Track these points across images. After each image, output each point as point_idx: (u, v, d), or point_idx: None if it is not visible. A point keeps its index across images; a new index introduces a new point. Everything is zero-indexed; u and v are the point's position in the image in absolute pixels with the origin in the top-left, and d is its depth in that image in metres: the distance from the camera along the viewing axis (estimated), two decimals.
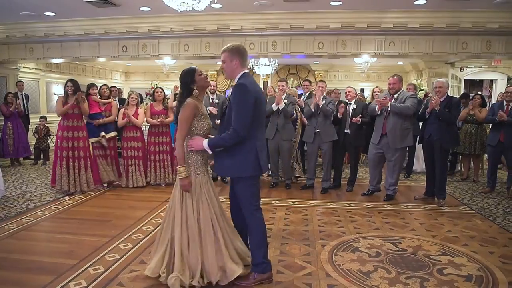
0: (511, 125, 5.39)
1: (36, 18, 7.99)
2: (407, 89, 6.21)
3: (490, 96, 12.24)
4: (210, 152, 2.82)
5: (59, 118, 5.54)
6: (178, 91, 6.06)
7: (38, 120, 8.55)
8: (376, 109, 5.17)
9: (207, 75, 3.04)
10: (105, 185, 6.00)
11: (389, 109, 5.03)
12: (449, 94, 5.16)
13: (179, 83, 2.95)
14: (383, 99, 5.05)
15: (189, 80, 2.86)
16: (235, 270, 2.77)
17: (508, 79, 11.60)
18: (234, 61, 2.76)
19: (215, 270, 2.74)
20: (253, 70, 12.22)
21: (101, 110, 6.05)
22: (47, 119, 8.69)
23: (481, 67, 11.37)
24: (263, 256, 2.85)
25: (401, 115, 5.01)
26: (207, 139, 2.77)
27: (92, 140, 5.84)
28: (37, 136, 8.22)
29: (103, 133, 5.92)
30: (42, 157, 8.21)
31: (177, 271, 2.72)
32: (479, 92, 8.03)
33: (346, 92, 5.98)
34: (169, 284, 2.69)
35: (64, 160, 5.41)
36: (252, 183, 2.83)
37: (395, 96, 5.15)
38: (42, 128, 8.25)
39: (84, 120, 5.65)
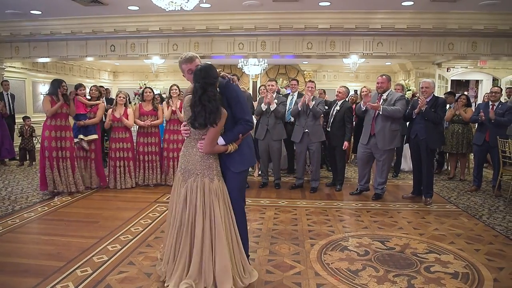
0: (496, 125, 5.49)
1: (22, 17, 7.87)
2: (395, 89, 6.20)
3: (476, 96, 12.44)
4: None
5: (44, 118, 5.43)
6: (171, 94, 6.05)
7: (22, 121, 8.38)
8: (362, 104, 5.21)
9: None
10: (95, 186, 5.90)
11: (380, 112, 5.06)
12: (436, 95, 5.22)
13: (204, 81, 2.57)
14: (374, 104, 5.08)
15: (216, 77, 2.63)
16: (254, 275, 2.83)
17: (493, 80, 11.80)
18: (195, 66, 2.69)
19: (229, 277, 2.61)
20: (242, 70, 12.22)
21: (86, 111, 5.88)
22: (31, 119, 8.54)
23: (467, 67, 11.54)
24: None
25: (391, 117, 5.05)
26: (221, 137, 2.69)
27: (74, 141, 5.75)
28: (22, 137, 8.07)
29: (81, 136, 5.72)
30: (28, 158, 8.08)
31: (192, 279, 2.59)
32: (465, 93, 8.16)
33: (336, 92, 5.95)
34: None
35: (54, 160, 5.32)
36: (245, 176, 2.95)
37: (384, 96, 5.18)
38: (27, 128, 8.12)
39: (70, 120, 5.56)
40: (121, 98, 5.96)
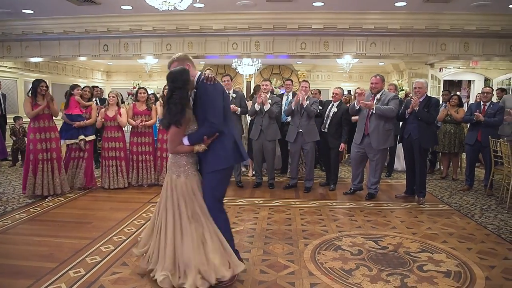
0: (488, 125, 5.54)
1: (14, 16, 7.79)
2: (388, 89, 6.30)
3: (468, 96, 12.54)
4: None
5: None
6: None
7: (13, 121, 8.29)
8: (355, 103, 5.23)
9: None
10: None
11: (373, 111, 5.09)
12: (429, 95, 5.26)
13: (172, 84, 2.74)
14: (368, 102, 5.10)
15: (187, 79, 2.76)
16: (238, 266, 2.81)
17: (485, 80, 11.91)
18: (185, 65, 2.84)
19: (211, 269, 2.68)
20: (236, 70, 12.21)
21: (82, 111, 5.88)
22: (23, 119, 8.45)
23: (459, 68, 11.64)
24: None
25: (384, 116, 5.08)
26: (186, 137, 2.80)
27: (69, 142, 5.70)
28: (14, 138, 8.00)
29: (82, 137, 5.71)
30: (20, 158, 8.00)
31: (168, 270, 2.71)
32: (457, 93, 8.23)
33: (333, 93, 6.01)
34: (159, 281, 2.70)
35: (39, 163, 5.22)
36: (222, 177, 2.89)
37: (377, 96, 5.21)
38: (19, 128, 8.05)
39: (54, 120, 5.46)
40: (111, 98, 5.94)
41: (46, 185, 5.27)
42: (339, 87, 6.13)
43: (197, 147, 2.78)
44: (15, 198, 5.31)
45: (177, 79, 2.73)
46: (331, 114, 5.87)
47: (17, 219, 4.38)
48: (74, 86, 5.92)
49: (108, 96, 6.02)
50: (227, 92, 5.91)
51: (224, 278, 2.69)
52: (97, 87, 8.24)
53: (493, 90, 5.74)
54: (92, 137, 5.91)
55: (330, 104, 5.97)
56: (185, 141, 2.80)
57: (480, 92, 6.13)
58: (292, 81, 6.87)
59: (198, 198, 2.83)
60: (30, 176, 5.21)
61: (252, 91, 13.85)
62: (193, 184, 2.85)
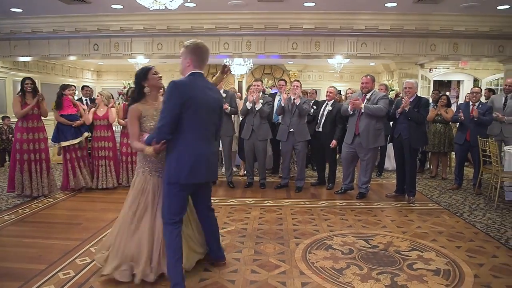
0: (477, 124, 5.60)
1: (2, 14, 7.70)
2: (379, 89, 6.40)
3: (457, 97, 12.67)
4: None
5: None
6: None
7: (1, 120, 8.17)
8: (349, 109, 5.26)
9: (161, 76, 3.06)
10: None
11: (362, 110, 5.12)
12: (418, 95, 5.31)
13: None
14: (356, 101, 5.14)
15: (142, 77, 2.97)
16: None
17: (474, 80, 12.06)
18: (187, 59, 2.71)
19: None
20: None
21: (75, 111, 5.73)
22: (11, 119, 8.33)
23: (449, 68, 11.77)
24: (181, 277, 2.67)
25: (374, 116, 5.12)
26: (146, 135, 2.77)
27: (75, 141, 5.59)
28: (3, 138, 7.88)
29: (86, 134, 5.73)
30: (8, 159, 7.89)
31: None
32: (447, 93, 8.32)
33: (327, 92, 6.05)
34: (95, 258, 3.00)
35: (25, 163, 5.17)
36: (176, 191, 2.67)
37: (368, 96, 5.25)
38: (6, 128, 7.94)
39: (42, 120, 5.40)
40: (98, 97, 5.95)
41: (35, 185, 5.23)
42: (333, 86, 6.17)
43: (147, 149, 2.69)
44: (3, 199, 5.23)
45: (136, 76, 3.00)
46: (325, 113, 5.89)
47: (5, 221, 4.32)
48: (66, 86, 5.79)
49: (97, 96, 5.99)
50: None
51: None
52: (87, 86, 8.15)
53: (481, 90, 5.81)
54: (87, 134, 5.85)
55: (325, 103, 5.99)
56: (143, 139, 2.76)
57: (469, 92, 6.20)
58: (285, 81, 6.87)
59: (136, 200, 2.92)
60: (18, 175, 5.15)
61: (243, 91, 13.88)
62: (140, 184, 2.93)
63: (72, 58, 8.78)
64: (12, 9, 7.35)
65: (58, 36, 8.13)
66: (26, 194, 5.21)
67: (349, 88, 6.70)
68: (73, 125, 5.60)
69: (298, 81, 5.97)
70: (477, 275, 3.06)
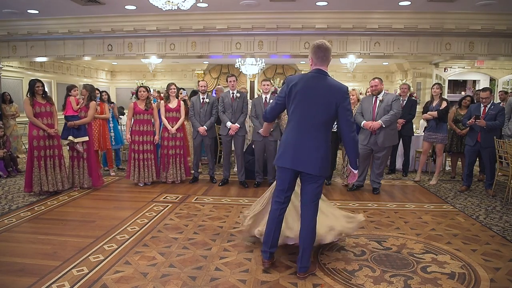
0: (489, 130, 5.45)
1: (19, 16, 7.85)
2: (402, 88, 6.89)
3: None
4: None
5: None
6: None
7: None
8: (362, 125, 5.48)
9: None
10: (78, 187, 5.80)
11: (383, 126, 5.34)
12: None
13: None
14: (373, 126, 5.36)
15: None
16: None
17: (490, 80, 11.83)
18: (310, 59, 3.02)
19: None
20: (240, 70, 12.21)
21: (76, 113, 5.66)
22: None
23: (464, 67, 11.57)
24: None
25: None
26: None
27: (64, 142, 5.64)
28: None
29: (71, 137, 5.56)
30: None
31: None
32: (469, 94, 8.18)
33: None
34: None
35: (42, 159, 5.29)
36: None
37: (379, 97, 5.45)
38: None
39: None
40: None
41: (51, 181, 5.36)
42: (354, 89, 6.37)
43: None
44: (20, 196, 5.34)
45: None
46: None
47: (21, 218, 4.40)
48: (71, 87, 5.77)
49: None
50: (231, 92, 5.93)
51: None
52: (97, 89, 8.15)
53: (491, 92, 5.68)
54: (83, 139, 5.65)
55: None
56: None
57: (477, 92, 6.11)
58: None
59: None
60: (36, 172, 5.26)
61: (255, 91, 13.88)
62: None
63: (86, 58, 8.89)
64: (29, 11, 7.49)
65: (73, 37, 8.26)
66: (44, 190, 5.31)
67: (353, 89, 6.54)
68: (68, 126, 5.58)
69: None
70: (493, 280, 3.00)
